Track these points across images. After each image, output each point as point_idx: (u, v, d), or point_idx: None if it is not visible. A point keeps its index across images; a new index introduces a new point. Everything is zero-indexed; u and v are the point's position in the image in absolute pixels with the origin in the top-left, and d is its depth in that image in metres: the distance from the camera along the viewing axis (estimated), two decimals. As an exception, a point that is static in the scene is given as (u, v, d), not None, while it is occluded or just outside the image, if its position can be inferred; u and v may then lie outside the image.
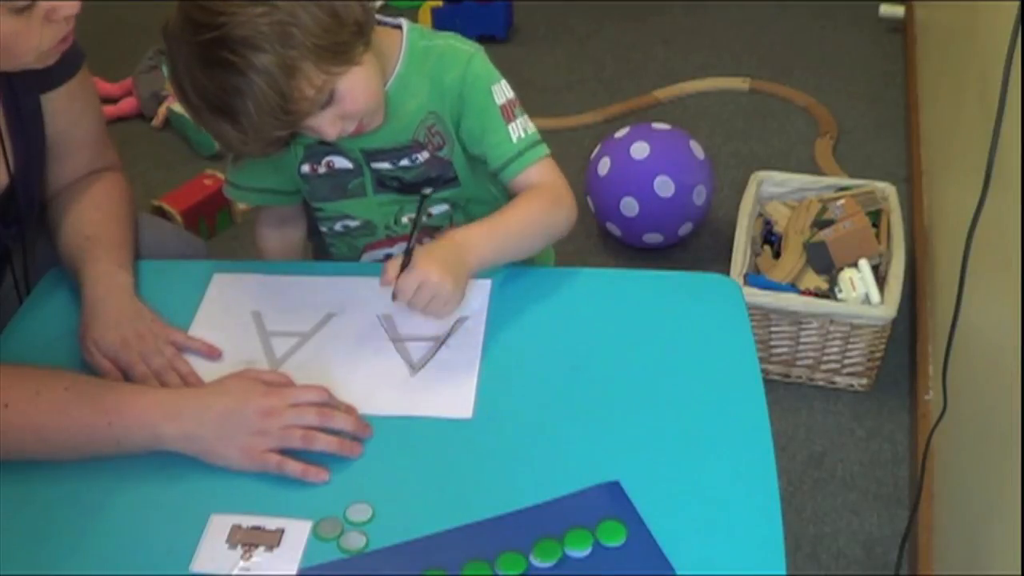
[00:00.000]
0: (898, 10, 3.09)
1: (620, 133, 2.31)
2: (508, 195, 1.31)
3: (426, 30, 1.30)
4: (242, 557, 0.96)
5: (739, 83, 2.94)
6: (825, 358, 2.00)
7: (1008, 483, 1.24)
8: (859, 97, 2.86)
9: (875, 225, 2.08)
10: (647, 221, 2.25)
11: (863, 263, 1.98)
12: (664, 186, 2.20)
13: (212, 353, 1.18)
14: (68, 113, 1.31)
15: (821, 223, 2.08)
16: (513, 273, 1.26)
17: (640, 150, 2.23)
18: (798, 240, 2.08)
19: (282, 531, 0.98)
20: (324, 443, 1.04)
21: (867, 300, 1.93)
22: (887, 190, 2.16)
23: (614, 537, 0.95)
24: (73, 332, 1.19)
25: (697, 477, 1.01)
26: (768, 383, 1.12)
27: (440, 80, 1.26)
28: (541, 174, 1.29)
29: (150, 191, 2.53)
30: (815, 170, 2.56)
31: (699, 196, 2.25)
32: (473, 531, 0.96)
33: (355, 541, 0.97)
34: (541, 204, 1.27)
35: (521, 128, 1.27)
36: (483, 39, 1.31)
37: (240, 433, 1.03)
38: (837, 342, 1.96)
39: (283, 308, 1.24)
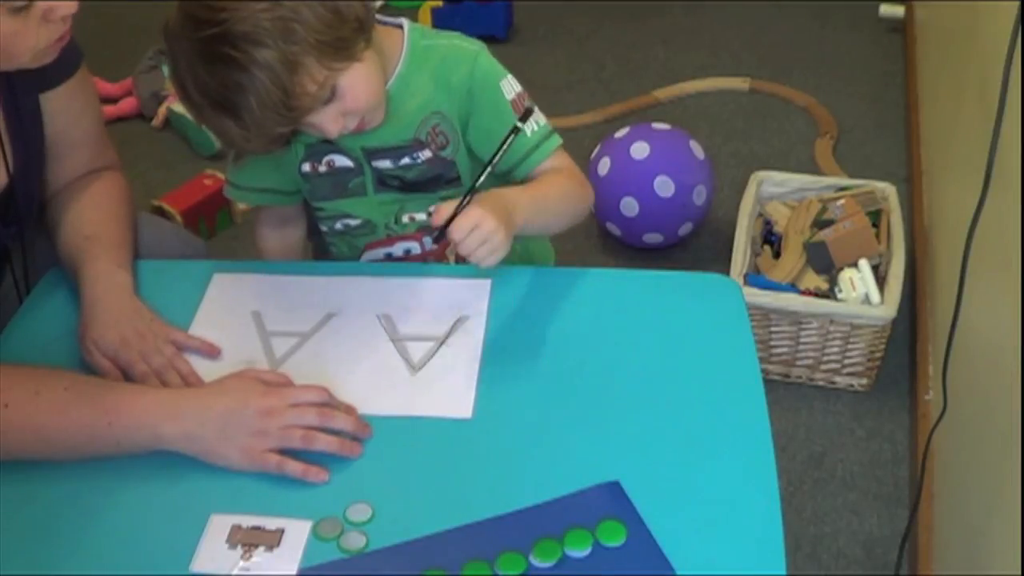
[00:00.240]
0: (898, 10, 3.09)
1: (620, 133, 2.31)
2: None
3: (427, 30, 1.30)
4: (242, 557, 0.96)
5: (739, 83, 2.94)
6: (825, 358, 2.00)
7: (1008, 483, 1.24)
8: (859, 97, 2.86)
9: (875, 225, 2.08)
10: (647, 221, 2.25)
11: (863, 263, 1.98)
12: (664, 186, 2.20)
13: (212, 352, 1.18)
14: (67, 112, 1.31)
15: (821, 223, 2.08)
16: (513, 273, 1.26)
17: (640, 150, 2.23)
18: (798, 240, 2.08)
19: (282, 531, 0.98)
20: (324, 443, 1.04)
21: (867, 300, 1.93)
22: (887, 190, 2.16)
23: (614, 537, 0.95)
24: (73, 332, 1.19)
25: (697, 477, 1.01)
26: (768, 383, 1.12)
27: (446, 80, 1.26)
28: (557, 163, 1.31)
29: (150, 191, 2.53)
30: (815, 170, 2.56)
31: (699, 196, 2.25)
32: (473, 531, 0.96)
33: (355, 541, 0.97)
34: (571, 182, 1.31)
35: (533, 121, 1.28)
36: (483, 39, 1.31)
37: (240, 433, 1.03)
38: (837, 342, 1.96)
39: (283, 308, 1.24)
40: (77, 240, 1.26)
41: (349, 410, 1.09)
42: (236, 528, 0.98)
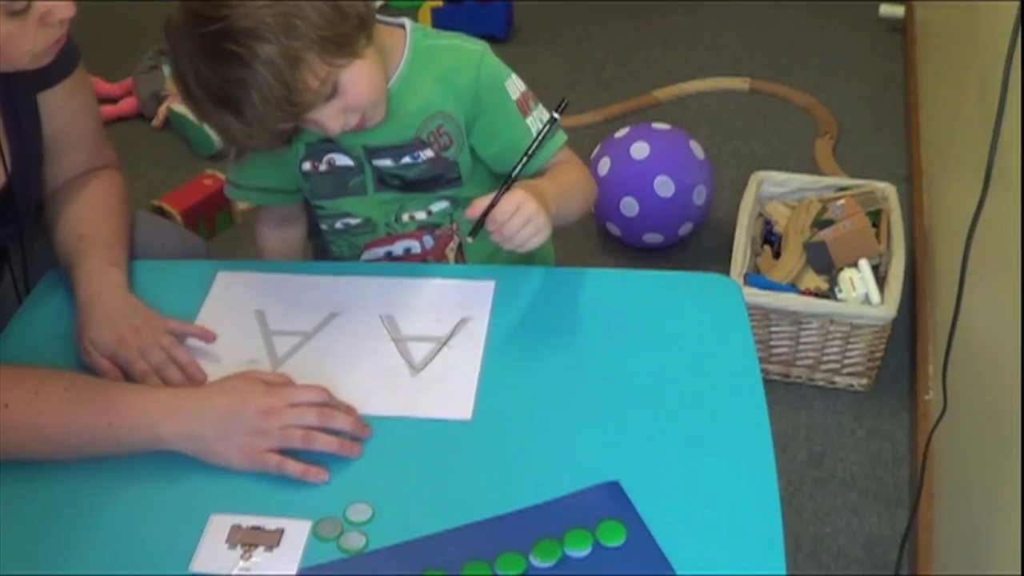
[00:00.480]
0: (898, 10, 3.09)
1: (620, 133, 2.31)
2: None
3: (429, 30, 1.31)
4: (242, 557, 0.96)
5: (739, 83, 2.94)
6: (825, 358, 2.00)
7: (1008, 483, 1.24)
8: (859, 97, 2.86)
9: (875, 225, 2.08)
10: (647, 221, 2.25)
11: (863, 263, 1.98)
12: (664, 186, 2.20)
13: (207, 336, 1.19)
14: (65, 111, 1.31)
15: (821, 223, 2.08)
16: (513, 273, 1.26)
17: (640, 150, 2.23)
18: (798, 240, 2.08)
19: (282, 531, 0.98)
20: (324, 443, 1.04)
21: (867, 300, 1.93)
22: (887, 190, 2.16)
23: (614, 537, 0.95)
24: (72, 332, 1.19)
25: (697, 477, 1.01)
26: (768, 383, 1.12)
27: (452, 82, 1.27)
28: (564, 157, 1.34)
29: (150, 191, 2.53)
30: (815, 170, 2.56)
31: (699, 196, 2.25)
32: (473, 531, 0.96)
33: (355, 541, 0.97)
34: (581, 172, 1.35)
35: (538, 120, 1.30)
36: (483, 39, 1.31)
37: (240, 433, 1.03)
38: (837, 342, 1.96)
39: (286, 307, 1.24)
40: (72, 240, 1.27)
41: (349, 410, 1.09)
42: (236, 528, 0.98)
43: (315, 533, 0.97)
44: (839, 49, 3.08)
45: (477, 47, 1.29)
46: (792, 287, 2.00)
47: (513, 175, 1.20)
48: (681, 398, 1.09)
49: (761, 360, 1.53)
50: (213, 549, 0.96)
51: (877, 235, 2.05)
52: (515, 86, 1.30)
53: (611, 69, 3.07)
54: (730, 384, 1.11)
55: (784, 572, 0.92)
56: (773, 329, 1.98)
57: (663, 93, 2.92)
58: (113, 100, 2.92)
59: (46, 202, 1.35)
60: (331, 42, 1.11)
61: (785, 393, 2.03)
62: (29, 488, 1.03)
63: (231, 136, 1.17)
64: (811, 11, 3.24)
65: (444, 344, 1.18)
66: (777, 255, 2.11)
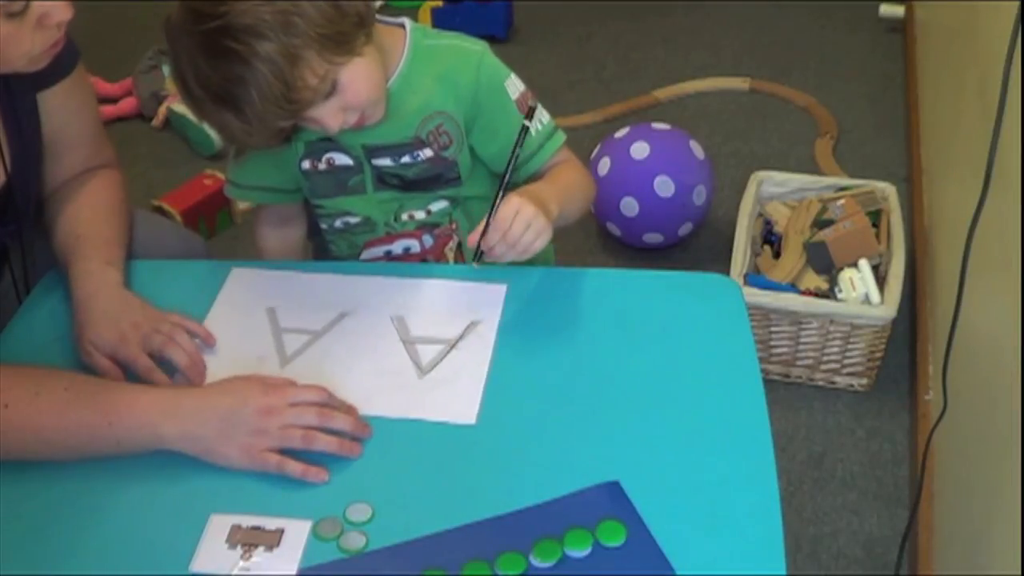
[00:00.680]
0: (898, 10, 3.09)
1: (620, 133, 2.31)
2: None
3: (429, 30, 1.31)
4: (242, 557, 0.96)
5: (739, 83, 2.94)
6: (825, 358, 2.00)
7: (1008, 483, 1.24)
8: (859, 97, 2.86)
9: (875, 225, 2.08)
10: (647, 221, 2.25)
11: (863, 263, 1.98)
12: (664, 186, 2.20)
13: (207, 338, 1.19)
14: (64, 111, 1.31)
15: (821, 223, 2.08)
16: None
17: (640, 150, 2.23)
18: (798, 240, 2.08)
19: (282, 531, 0.98)
20: (324, 443, 1.04)
21: (867, 300, 1.93)
22: (887, 190, 2.16)
23: (614, 537, 0.95)
24: (71, 332, 1.19)
25: (697, 477, 1.01)
26: (768, 383, 1.12)
27: (453, 82, 1.27)
28: (563, 157, 1.35)
29: (150, 191, 2.53)
30: (815, 170, 2.56)
31: (699, 196, 2.25)
32: (473, 531, 0.96)
33: (355, 541, 0.97)
34: (581, 173, 1.36)
35: (537, 120, 1.30)
36: (483, 39, 1.31)
37: (240, 432, 1.03)
38: (837, 342, 1.96)
39: (298, 306, 1.24)
40: (70, 240, 1.27)
41: (349, 410, 1.09)
42: (236, 528, 0.98)
43: (315, 533, 0.97)
44: (839, 49, 3.08)
45: (477, 47, 1.29)
46: (792, 287, 2.00)
47: (503, 183, 1.20)
48: (681, 398, 1.09)
49: (761, 360, 1.53)
50: (213, 549, 0.96)
51: (877, 235, 2.05)
52: (514, 86, 1.30)
53: (611, 69, 3.07)
54: (730, 384, 1.10)
55: (784, 572, 0.92)
56: (773, 329, 1.98)
57: (663, 93, 2.92)
58: (113, 100, 2.92)
59: (46, 201, 1.35)
60: (330, 40, 1.12)
61: (785, 393, 2.03)
62: (29, 488, 1.03)
63: (231, 134, 1.17)
64: (811, 11, 3.24)
65: (453, 347, 1.17)
66: (777, 255, 2.11)
